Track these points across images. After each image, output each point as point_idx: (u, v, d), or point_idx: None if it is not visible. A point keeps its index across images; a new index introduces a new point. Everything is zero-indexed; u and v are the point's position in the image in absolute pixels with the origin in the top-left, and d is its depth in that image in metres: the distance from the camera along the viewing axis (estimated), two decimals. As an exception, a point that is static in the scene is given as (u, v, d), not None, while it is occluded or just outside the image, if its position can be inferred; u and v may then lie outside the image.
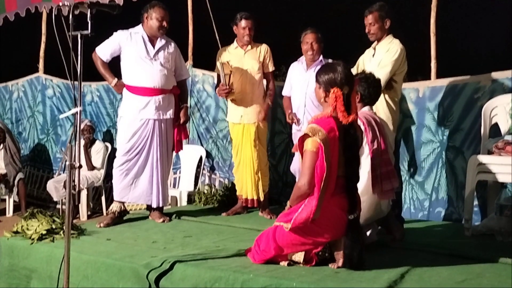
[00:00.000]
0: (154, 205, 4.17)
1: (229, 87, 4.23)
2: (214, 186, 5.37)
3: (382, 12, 3.83)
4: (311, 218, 2.65)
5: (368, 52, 3.98)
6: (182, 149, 4.41)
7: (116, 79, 4.14)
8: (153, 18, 4.06)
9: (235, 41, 4.50)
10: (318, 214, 2.65)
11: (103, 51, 4.12)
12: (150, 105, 4.08)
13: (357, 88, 3.19)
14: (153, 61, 4.09)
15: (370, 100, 3.37)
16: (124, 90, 4.15)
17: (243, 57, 4.43)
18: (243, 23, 4.36)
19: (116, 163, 4.14)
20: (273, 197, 4.85)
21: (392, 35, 3.87)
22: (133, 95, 4.10)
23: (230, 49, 4.51)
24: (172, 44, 4.24)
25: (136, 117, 4.08)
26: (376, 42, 3.91)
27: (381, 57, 3.79)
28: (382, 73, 3.64)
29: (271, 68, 4.48)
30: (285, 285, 2.51)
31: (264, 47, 4.47)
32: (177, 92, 4.28)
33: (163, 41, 4.16)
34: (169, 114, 4.18)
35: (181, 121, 4.24)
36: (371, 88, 3.33)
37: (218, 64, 4.31)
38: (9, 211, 6.04)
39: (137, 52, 4.08)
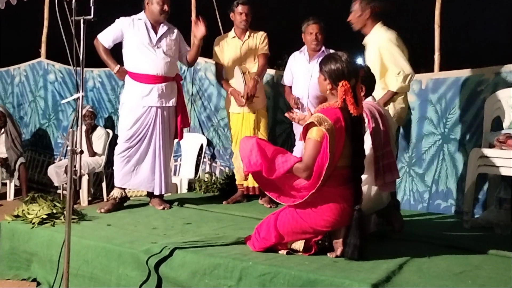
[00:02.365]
0: (155, 192, 4.18)
1: (248, 98, 4.23)
2: (215, 174, 5.38)
3: (363, 2, 3.77)
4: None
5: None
6: (183, 137, 4.41)
7: (118, 66, 4.13)
8: (153, 2, 4.04)
9: (232, 30, 4.48)
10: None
11: (105, 38, 4.10)
12: (153, 93, 4.07)
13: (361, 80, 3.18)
14: (155, 48, 4.08)
15: (366, 91, 3.33)
16: (126, 77, 4.14)
17: (241, 48, 4.41)
18: (240, 8, 4.35)
19: (118, 149, 4.14)
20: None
21: (381, 22, 3.78)
22: (135, 82, 4.09)
23: (227, 38, 4.48)
24: (175, 30, 4.22)
25: (138, 104, 4.08)
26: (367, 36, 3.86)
27: (372, 53, 3.72)
28: (396, 83, 3.62)
29: (263, 51, 4.41)
30: (284, 273, 2.53)
31: (260, 34, 4.44)
32: (180, 80, 4.28)
33: (165, 28, 4.14)
34: (172, 102, 4.18)
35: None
36: (367, 80, 3.31)
37: (240, 73, 4.27)
38: (10, 195, 6.06)
39: (139, 39, 4.06)
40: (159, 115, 4.12)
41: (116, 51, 4.19)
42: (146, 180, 4.15)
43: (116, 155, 4.15)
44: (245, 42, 4.42)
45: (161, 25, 4.13)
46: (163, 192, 4.20)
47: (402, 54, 3.69)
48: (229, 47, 4.43)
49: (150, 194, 4.26)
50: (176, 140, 4.49)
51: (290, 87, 4.41)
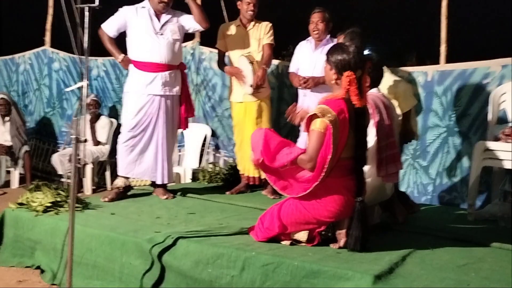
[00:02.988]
0: (158, 182, 4.19)
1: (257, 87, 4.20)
2: (218, 164, 5.38)
3: (347, 38, 3.75)
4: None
5: None
6: (187, 126, 4.41)
7: (122, 55, 4.12)
8: None
9: (238, 19, 4.46)
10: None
11: (109, 27, 4.09)
12: (156, 81, 4.06)
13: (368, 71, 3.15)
14: (159, 35, 4.06)
15: (372, 83, 3.29)
16: (131, 66, 4.14)
17: (246, 37, 4.39)
18: None
19: (121, 138, 4.14)
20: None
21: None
22: (139, 70, 4.08)
23: (232, 27, 4.46)
24: (177, 14, 4.17)
25: (142, 92, 4.07)
26: None
27: None
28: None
29: (267, 40, 4.36)
30: (287, 264, 2.54)
31: (265, 24, 4.41)
32: (184, 68, 4.26)
33: (169, 16, 4.12)
34: (175, 90, 4.17)
35: None
36: (374, 71, 3.28)
37: (248, 62, 4.21)
38: (14, 183, 6.08)
39: (143, 27, 4.05)
40: (162, 104, 4.11)
41: (121, 40, 4.17)
42: (150, 169, 4.15)
43: (120, 144, 4.15)
44: (250, 31, 4.40)
45: (164, 12, 4.11)
46: (164, 182, 4.20)
47: (389, 73, 3.71)
48: (233, 35, 4.41)
49: (154, 184, 4.27)
50: (180, 130, 4.49)
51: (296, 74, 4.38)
